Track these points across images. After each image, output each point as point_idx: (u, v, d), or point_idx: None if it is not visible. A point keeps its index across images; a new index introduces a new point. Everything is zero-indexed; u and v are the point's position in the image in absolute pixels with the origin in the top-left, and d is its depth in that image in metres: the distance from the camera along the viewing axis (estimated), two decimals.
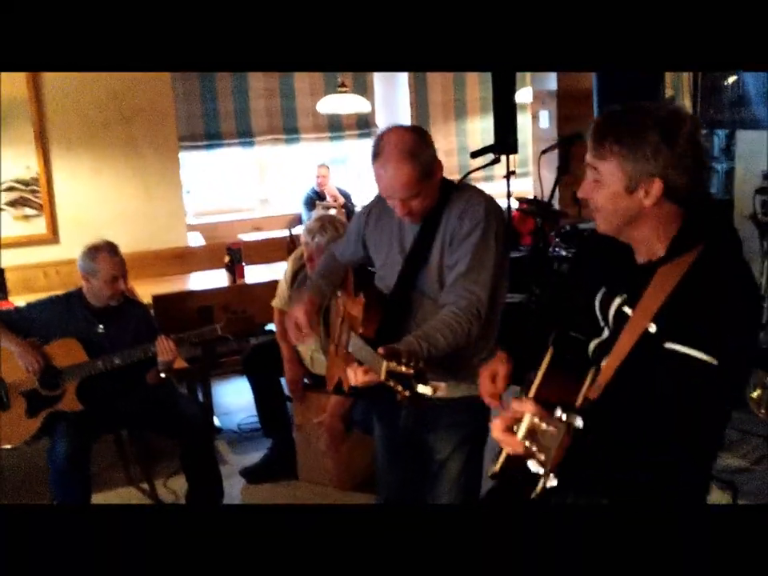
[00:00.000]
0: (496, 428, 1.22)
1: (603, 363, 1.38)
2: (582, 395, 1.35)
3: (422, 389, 1.46)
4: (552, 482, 1.08)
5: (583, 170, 1.40)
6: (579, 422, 1.07)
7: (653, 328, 1.29)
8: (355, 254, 2.10)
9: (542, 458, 1.08)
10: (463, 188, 1.92)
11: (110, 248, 2.79)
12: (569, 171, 3.08)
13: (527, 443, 1.12)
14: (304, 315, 1.99)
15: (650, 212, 1.32)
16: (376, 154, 1.80)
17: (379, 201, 2.03)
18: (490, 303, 1.79)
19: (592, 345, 1.48)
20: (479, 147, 5.97)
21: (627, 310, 1.37)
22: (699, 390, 1.24)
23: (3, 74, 3.96)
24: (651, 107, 1.32)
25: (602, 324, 1.47)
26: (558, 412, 1.09)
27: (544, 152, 3.52)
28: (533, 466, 1.11)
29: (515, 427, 1.17)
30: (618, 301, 1.41)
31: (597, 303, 1.48)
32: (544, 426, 1.10)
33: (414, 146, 1.77)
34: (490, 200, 1.88)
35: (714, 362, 1.22)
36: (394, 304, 1.92)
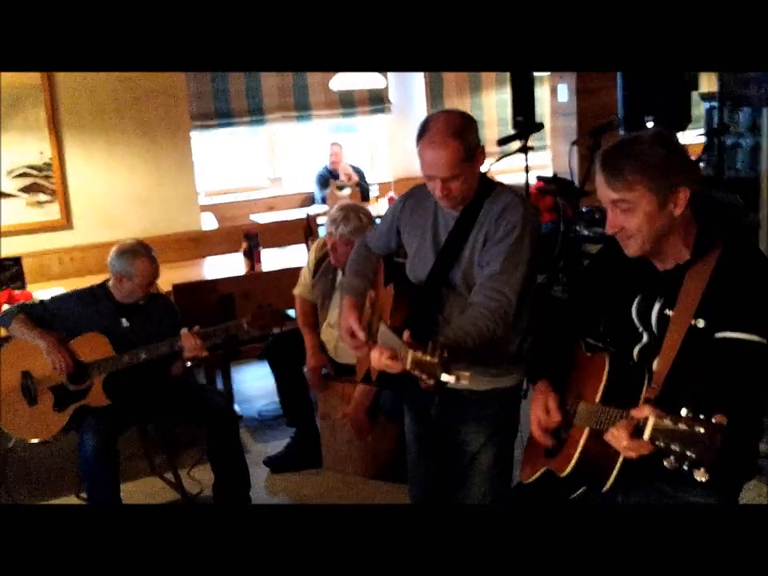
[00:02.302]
0: (620, 439, 1.32)
1: (654, 364, 1.49)
2: (643, 397, 1.44)
3: (446, 377, 1.50)
4: (704, 476, 1.19)
5: None
6: (724, 419, 1.18)
7: (701, 323, 1.42)
8: (389, 242, 2.11)
9: (692, 455, 1.19)
10: (502, 190, 1.93)
11: (147, 252, 2.77)
12: None
13: (660, 443, 1.23)
14: (356, 321, 1.95)
15: (678, 221, 1.46)
16: (422, 133, 1.83)
17: (415, 191, 2.04)
18: (518, 303, 1.81)
19: (636, 350, 1.56)
20: (495, 120, 5.90)
21: (668, 312, 1.49)
22: (756, 369, 1.39)
23: None
24: (635, 136, 1.48)
25: (639, 329, 1.55)
26: (684, 412, 1.21)
27: (574, 143, 3.47)
28: (669, 463, 1.21)
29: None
30: (657, 305, 1.52)
31: (634, 310, 1.57)
32: (683, 426, 1.19)
33: (459, 127, 1.81)
34: (527, 206, 1.89)
35: (764, 340, 1.37)
36: (423, 296, 1.94)
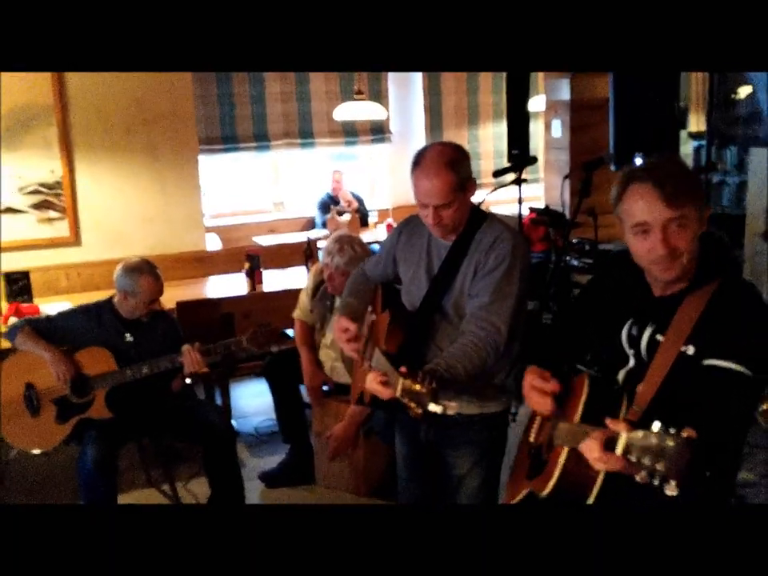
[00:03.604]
0: (593, 450, 1.32)
1: (638, 388, 1.49)
2: (622, 418, 1.44)
3: (433, 407, 1.54)
4: (674, 491, 1.18)
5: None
6: (694, 433, 1.18)
7: (690, 350, 1.44)
8: (386, 270, 2.15)
9: (662, 468, 1.18)
10: (493, 221, 1.98)
11: (152, 271, 2.83)
12: (589, 195, 3.17)
13: (631, 457, 1.22)
14: (348, 321, 2.01)
15: (697, 240, 1.47)
16: (416, 163, 1.89)
17: (411, 221, 2.10)
18: (509, 333, 1.86)
19: (621, 374, 1.58)
20: (491, 152, 6.05)
21: (659, 337, 1.50)
22: (739, 399, 1.40)
23: (29, 79, 4.02)
24: (666, 158, 1.50)
25: (628, 353, 1.57)
26: (656, 427, 1.20)
27: (566, 177, 3.60)
28: (641, 478, 1.20)
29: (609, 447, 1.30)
30: (649, 330, 1.53)
31: (624, 334, 1.58)
32: (654, 440, 1.19)
33: (453, 157, 1.87)
34: (517, 237, 1.95)
35: (749, 372, 1.38)
36: (417, 323, 1.99)
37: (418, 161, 1.89)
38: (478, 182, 1.99)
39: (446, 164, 1.85)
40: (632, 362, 1.56)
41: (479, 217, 1.98)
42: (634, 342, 1.56)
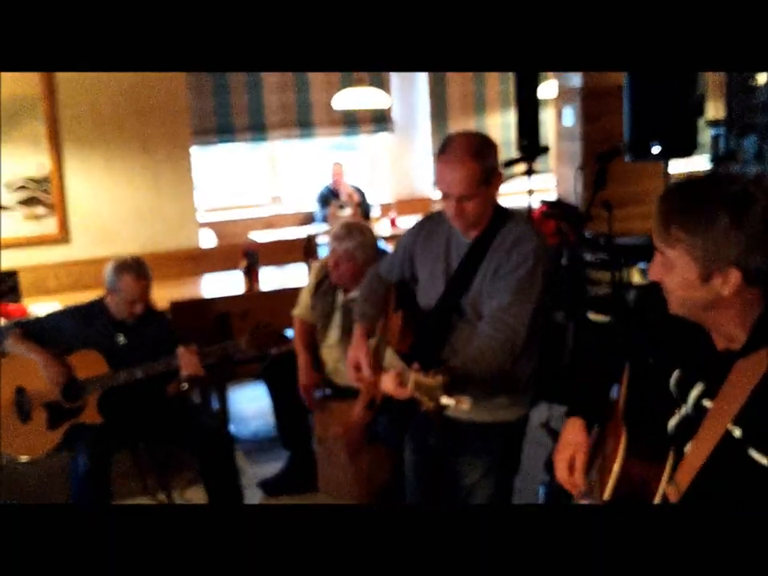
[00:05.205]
0: None
1: (686, 451, 1.29)
2: (661, 490, 1.27)
3: (446, 400, 1.51)
4: None
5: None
6: None
7: (737, 432, 1.20)
8: (402, 270, 2.12)
9: None
10: (518, 220, 1.93)
11: (137, 270, 2.74)
12: (605, 187, 3.04)
13: None
14: (365, 355, 1.95)
15: (730, 299, 1.20)
16: (441, 151, 1.85)
17: (430, 218, 2.07)
18: (527, 336, 1.80)
19: (671, 423, 1.37)
20: (499, 143, 5.91)
21: (707, 403, 1.27)
22: None
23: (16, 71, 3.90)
24: (720, 182, 1.20)
25: (677, 400, 1.36)
26: None
27: (581, 168, 3.45)
28: None
29: None
30: (696, 390, 1.30)
31: (672, 382, 1.37)
32: None
33: (479, 147, 1.82)
34: (540, 237, 1.90)
35: None
36: (431, 322, 1.95)
37: (443, 149, 1.85)
38: None
39: (471, 153, 1.79)
40: (683, 410, 1.35)
41: (503, 215, 1.92)
42: (682, 394, 1.34)
